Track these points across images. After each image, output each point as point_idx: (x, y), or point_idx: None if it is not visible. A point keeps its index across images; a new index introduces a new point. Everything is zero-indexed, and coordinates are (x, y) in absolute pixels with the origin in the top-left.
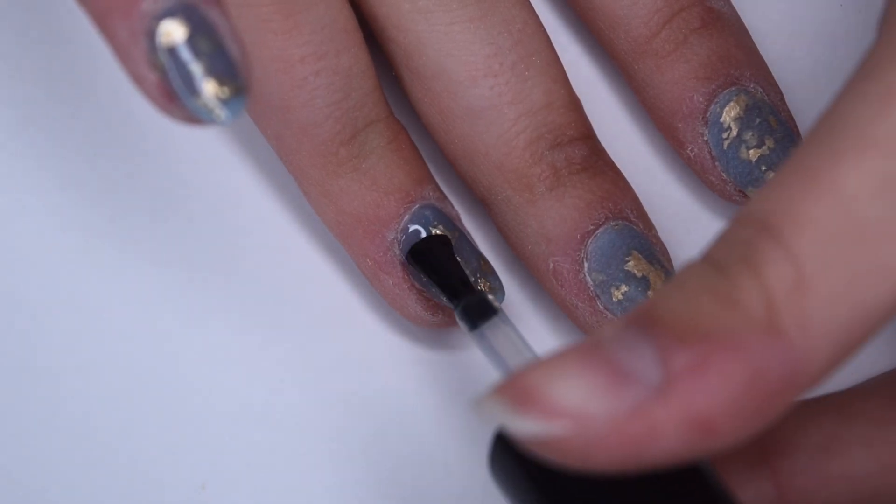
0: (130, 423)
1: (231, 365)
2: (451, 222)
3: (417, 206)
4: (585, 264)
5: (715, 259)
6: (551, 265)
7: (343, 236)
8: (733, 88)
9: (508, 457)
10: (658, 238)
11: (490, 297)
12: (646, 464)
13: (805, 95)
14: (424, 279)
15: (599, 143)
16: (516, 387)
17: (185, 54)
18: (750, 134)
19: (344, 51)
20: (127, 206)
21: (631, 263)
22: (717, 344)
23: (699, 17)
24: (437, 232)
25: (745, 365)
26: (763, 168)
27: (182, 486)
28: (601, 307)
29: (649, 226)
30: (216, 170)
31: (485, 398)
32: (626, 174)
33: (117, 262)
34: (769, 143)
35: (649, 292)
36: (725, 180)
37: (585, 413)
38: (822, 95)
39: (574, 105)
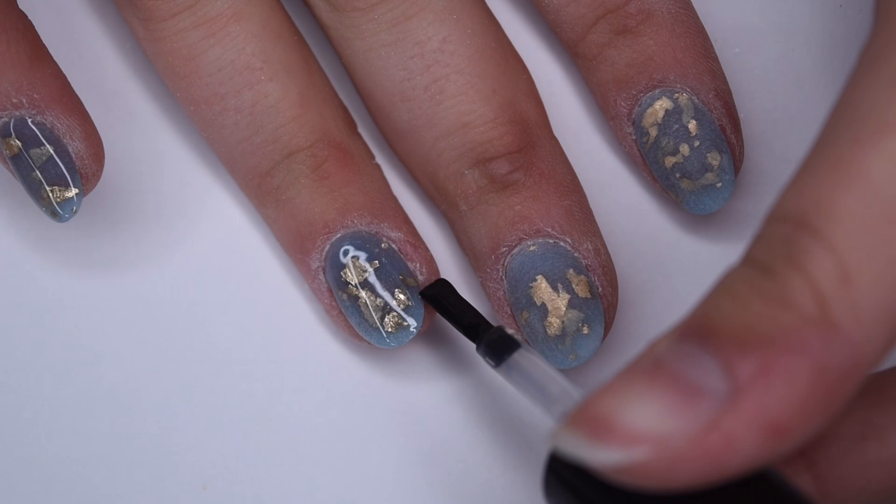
0: (132, 425)
1: (232, 366)
2: (378, 251)
3: (338, 235)
4: (505, 282)
5: (758, 260)
6: (479, 278)
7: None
8: (656, 91)
9: (565, 481)
10: (593, 250)
11: (509, 330)
12: (725, 475)
13: (805, 95)
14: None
15: (538, 151)
16: (590, 417)
17: (22, 165)
18: (666, 140)
19: (246, 88)
20: (130, 207)
21: (533, 289)
22: (778, 346)
23: (625, 19)
24: (355, 262)
25: (808, 363)
26: (677, 175)
27: (183, 487)
28: (517, 326)
29: (582, 237)
30: (220, 171)
31: (559, 432)
32: (590, 170)
33: (119, 262)
34: (683, 150)
35: (546, 321)
36: (655, 178)
37: (664, 434)
38: (821, 95)
39: (502, 119)
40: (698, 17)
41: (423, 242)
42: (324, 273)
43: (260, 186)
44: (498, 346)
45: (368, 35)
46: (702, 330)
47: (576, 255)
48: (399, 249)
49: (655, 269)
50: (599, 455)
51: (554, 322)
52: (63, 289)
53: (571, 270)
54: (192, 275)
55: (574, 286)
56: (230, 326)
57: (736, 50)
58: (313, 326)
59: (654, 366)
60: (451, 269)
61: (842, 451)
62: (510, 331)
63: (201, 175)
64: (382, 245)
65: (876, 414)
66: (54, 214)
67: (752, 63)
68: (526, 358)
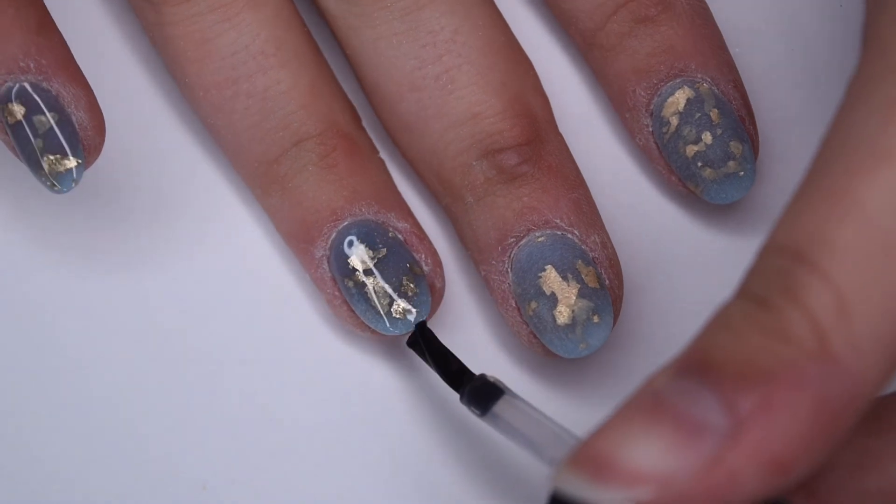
0: (131, 424)
1: (232, 365)
2: (385, 239)
3: (345, 223)
4: (510, 275)
5: (755, 293)
6: (482, 272)
7: (290, 249)
8: (677, 80)
9: None
10: (600, 243)
11: (491, 377)
12: None
13: (805, 96)
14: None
15: (546, 145)
16: (591, 457)
17: (22, 134)
18: (688, 129)
19: (258, 73)
20: (130, 206)
21: (542, 279)
22: (778, 381)
23: (645, 9)
24: (360, 251)
25: (808, 396)
26: (699, 164)
27: (183, 487)
28: (521, 318)
29: (589, 230)
30: (219, 169)
31: (561, 472)
32: (592, 164)
33: (118, 261)
34: (706, 138)
35: (555, 310)
36: (671, 171)
37: (667, 472)
38: (822, 96)
39: (511, 112)
40: (712, 13)
41: (427, 235)
42: (328, 262)
43: (266, 174)
44: (481, 394)
45: (379, 23)
46: (700, 365)
47: (583, 247)
48: (405, 240)
49: (656, 269)
50: (603, 496)
51: (564, 311)
52: (63, 288)
53: (580, 261)
54: (192, 274)
55: (583, 276)
56: (230, 326)
57: (736, 50)
58: (314, 326)
59: (653, 403)
60: (448, 266)
61: (840, 479)
62: (492, 378)
63: (201, 173)
64: (389, 234)
65: (874, 441)
66: (53, 186)
67: (752, 63)
68: (512, 404)
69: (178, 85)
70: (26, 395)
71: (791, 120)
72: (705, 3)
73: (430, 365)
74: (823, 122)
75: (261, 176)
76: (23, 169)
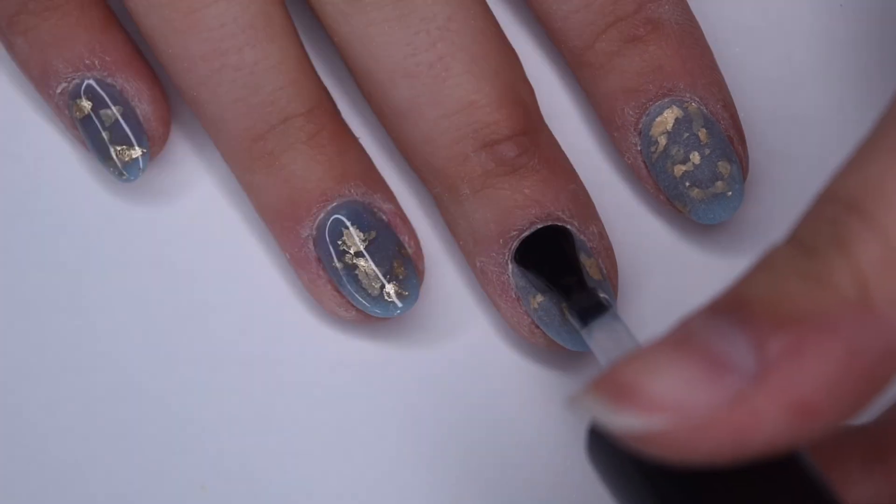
0: (131, 424)
1: (232, 365)
2: (374, 221)
3: (334, 203)
4: (510, 266)
5: (802, 240)
6: (478, 264)
7: (267, 228)
8: (665, 100)
9: (606, 446)
10: (598, 233)
11: (602, 295)
12: (748, 453)
13: (805, 96)
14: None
15: (540, 135)
16: (612, 383)
17: (91, 127)
18: (676, 149)
19: (247, 47)
20: (128, 204)
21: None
22: (811, 326)
23: (634, 28)
24: (353, 230)
25: (840, 344)
26: (687, 184)
27: (182, 487)
28: (523, 310)
29: (588, 222)
30: (216, 167)
31: (580, 395)
32: (582, 164)
33: (118, 261)
34: (694, 158)
35: (563, 304)
36: (659, 190)
37: (686, 405)
38: (821, 95)
39: (506, 101)
40: (703, 32)
41: (408, 218)
42: (314, 242)
43: (250, 150)
44: (586, 310)
45: (371, 10)
46: (734, 305)
47: (582, 238)
48: (389, 221)
49: (636, 283)
50: (616, 420)
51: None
52: (62, 287)
53: (582, 254)
54: (191, 273)
55: (587, 269)
56: (230, 325)
57: (736, 50)
58: (313, 325)
59: (682, 337)
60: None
61: None
62: (604, 296)
63: (202, 172)
64: (377, 215)
65: None
66: (121, 175)
67: (752, 63)
68: (611, 325)
69: (159, 57)
70: (25, 395)
71: (791, 120)
72: (696, 23)
73: (538, 268)
74: (823, 123)
75: (244, 152)
76: (23, 169)
